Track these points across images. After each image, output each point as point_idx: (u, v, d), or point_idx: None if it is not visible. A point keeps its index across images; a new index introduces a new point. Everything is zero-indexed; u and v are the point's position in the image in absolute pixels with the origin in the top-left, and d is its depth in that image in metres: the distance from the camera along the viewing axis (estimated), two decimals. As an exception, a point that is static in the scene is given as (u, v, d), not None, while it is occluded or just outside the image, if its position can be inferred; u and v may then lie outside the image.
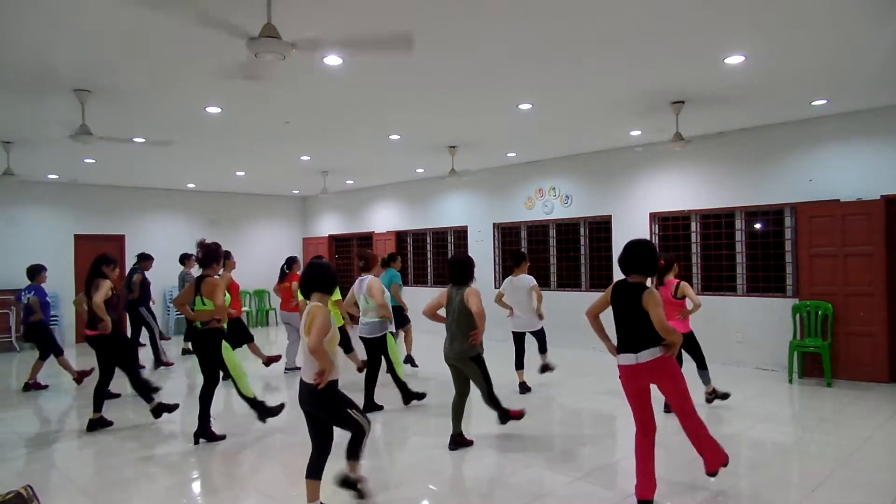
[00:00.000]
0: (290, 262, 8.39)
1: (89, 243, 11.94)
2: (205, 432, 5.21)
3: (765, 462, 4.56)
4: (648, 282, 3.83)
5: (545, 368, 6.79)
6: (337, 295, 6.59)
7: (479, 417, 5.68)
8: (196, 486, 4.37)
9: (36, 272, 7.59)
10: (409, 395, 6.13)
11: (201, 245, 5.22)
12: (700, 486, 4.02)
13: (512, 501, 3.93)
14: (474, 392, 5.01)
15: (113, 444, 5.31)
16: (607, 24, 4.38)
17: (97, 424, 5.67)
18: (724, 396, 5.90)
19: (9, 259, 11.05)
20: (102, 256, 5.88)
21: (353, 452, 3.65)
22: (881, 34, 4.65)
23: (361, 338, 5.99)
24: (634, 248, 3.73)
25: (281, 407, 5.33)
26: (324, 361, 3.41)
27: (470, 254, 11.43)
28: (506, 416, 5.00)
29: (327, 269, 3.71)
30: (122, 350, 5.85)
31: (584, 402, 6.43)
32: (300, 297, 6.88)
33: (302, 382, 3.60)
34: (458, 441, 4.90)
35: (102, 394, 5.75)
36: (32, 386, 7.54)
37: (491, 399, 4.89)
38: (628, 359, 3.66)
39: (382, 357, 6.11)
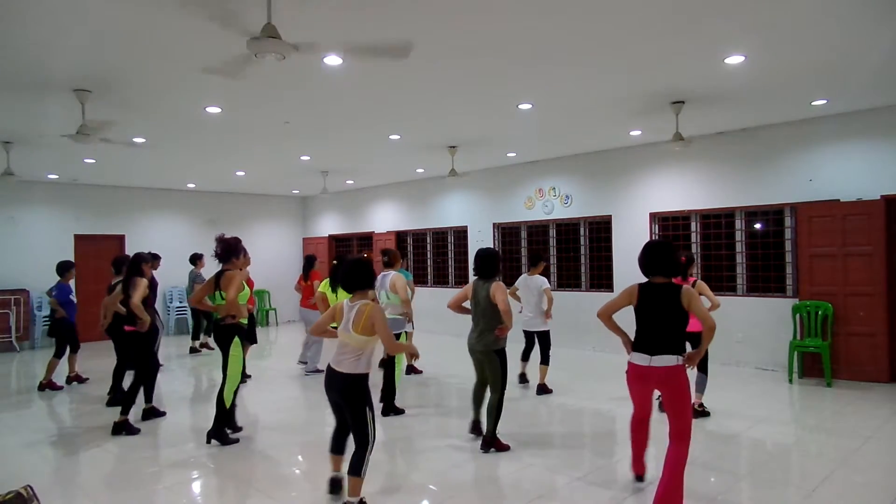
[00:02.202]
0: (312, 260, 8.50)
1: (89, 243, 11.95)
2: (234, 428, 5.29)
3: (765, 462, 4.57)
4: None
5: (542, 390, 6.70)
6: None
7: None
8: (196, 487, 4.36)
9: (64, 269, 7.56)
10: (390, 406, 5.93)
11: (220, 240, 5.16)
12: (699, 486, 4.03)
13: (512, 501, 3.94)
14: None
15: (114, 443, 5.31)
16: (607, 24, 4.38)
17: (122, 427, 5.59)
18: (705, 415, 5.61)
19: (9, 259, 11.06)
20: (140, 255, 6.02)
21: (356, 468, 3.56)
22: (881, 34, 4.65)
23: None
24: (658, 250, 3.67)
25: (236, 441, 5.10)
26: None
27: (469, 255, 11.50)
28: (492, 439, 4.80)
29: (368, 266, 3.84)
30: (149, 350, 5.92)
31: (584, 401, 6.43)
32: (328, 294, 6.92)
33: (332, 370, 3.67)
34: (478, 426, 5.07)
35: (136, 392, 5.78)
36: (47, 385, 7.52)
37: (498, 406, 4.77)
38: (641, 359, 3.59)
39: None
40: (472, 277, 5.04)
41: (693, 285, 5.42)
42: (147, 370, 5.83)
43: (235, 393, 5.20)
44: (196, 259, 9.86)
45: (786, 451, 4.84)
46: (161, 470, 4.64)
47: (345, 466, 3.82)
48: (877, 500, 3.82)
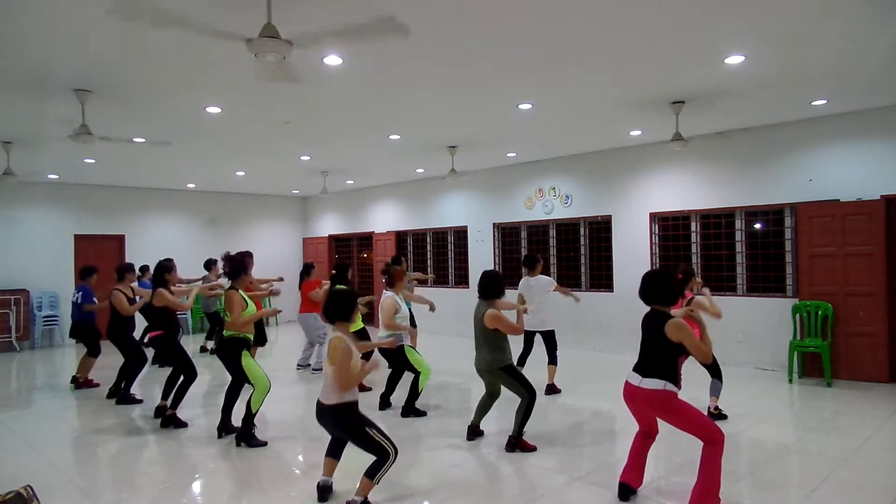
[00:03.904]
0: (308, 268, 8.59)
1: (89, 243, 11.95)
2: (226, 426, 5.34)
3: (765, 462, 4.56)
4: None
5: (551, 390, 6.73)
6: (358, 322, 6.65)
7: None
8: (196, 486, 4.36)
9: (88, 273, 7.63)
10: (411, 408, 5.98)
11: (227, 258, 5.25)
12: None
13: (512, 501, 3.94)
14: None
15: (114, 443, 5.31)
16: (607, 25, 4.38)
17: (161, 412, 5.89)
18: (722, 417, 5.54)
19: (9, 259, 11.06)
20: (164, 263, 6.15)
21: (371, 472, 3.60)
22: (881, 34, 4.65)
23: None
24: (653, 280, 3.77)
25: (264, 444, 5.09)
26: (350, 386, 3.67)
27: (469, 255, 11.51)
28: (518, 440, 4.83)
29: (348, 299, 3.83)
30: (178, 350, 6.03)
31: (585, 401, 6.43)
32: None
33: (320, 404, 3.74)
34: (475, 432, 5.17)
35: (173, 386, 5.90)
36: (83, 383, 7.59)
37: (527, 409, 4.78)
38: (633, 377, 3.71)
39: (404, 366, 6.09)
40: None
41: (689, 302, 5.28)
42: (188, 369, 5.88)
43: (239, 396, 5.31)
44: (210, 265, 9.81)
45: (786, 451, 4.84)
46: (161, 470, 4.65)
47: (337, 474, 3.94)
48: (877, 500, 3.82)
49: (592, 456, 4.81)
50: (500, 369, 4.79)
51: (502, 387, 5.02)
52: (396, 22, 4.20)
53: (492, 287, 4.88)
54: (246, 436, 5.09)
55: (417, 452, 4.95)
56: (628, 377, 3.76)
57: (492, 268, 11.03)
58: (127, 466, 4.75)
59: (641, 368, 3.69)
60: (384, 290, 6.21)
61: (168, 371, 6.21)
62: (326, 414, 3.70)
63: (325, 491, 3.90)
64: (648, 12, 4.17)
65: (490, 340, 4.81)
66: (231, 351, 5.12)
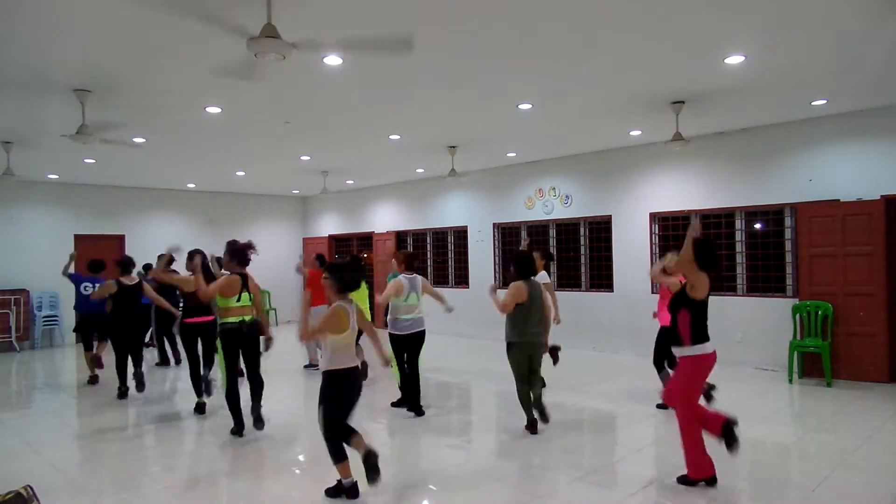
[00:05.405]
0: (321, 259, 8.65)
1: (89, 243, 11.94)
2: (257, 416, 5.38)
3: (765, 462, 4.57)
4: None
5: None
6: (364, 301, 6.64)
7: (478, 415, 5.67)
8: (197, 487, 4.36)
9: (100, 267, 7.74)
10: (416, 407, 5.95)
11: (233, 247, 5.39)
12: (699, 486, 4.02)
13: (512, 501, 3.94)
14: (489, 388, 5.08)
15: (115, 443, 5.31)
16: (607, 24, 4.38)
17: (202, 408, 6.09)
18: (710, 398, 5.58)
19: (9, 259, 11.06)
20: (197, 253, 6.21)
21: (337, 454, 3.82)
22: (881, 34, 4.65)
23: (412, 334, 5.95)
24: (712, 248, 4.00)
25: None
26: (308, 337, 3.96)
27: (469, 255, 11.52)
28: (534, 424, 5.14)
29: (352, 266, 4.00)
30: (213, 343, 6.05)
31: (585, 401, 6.43)
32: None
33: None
34: (533, 425, 5.20)
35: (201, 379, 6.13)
36: (92, 380, 7.67)
37: (539, 397, 5.12)
38: (712, 346, 3.96)
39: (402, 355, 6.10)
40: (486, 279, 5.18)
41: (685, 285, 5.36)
42: (193, 362, 6.10)
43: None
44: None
45: (786, 451, 4.84)
46: (161, 470, 4.65)
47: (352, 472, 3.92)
48: (877, 500, 3.82)
49: (592, 456, 4.81)
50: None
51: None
52: (399, 41, 4.21)
53: (528, 266, 5.22)
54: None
55: (418, 452, 4.95)
56: (706, 349, 3.92)
57: (492, 268, 11.04)
58: (127, 466, 4.74)
59: (708, 335, 3.97)
60: (407, 274, 6.06)
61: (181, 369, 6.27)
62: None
63: (353, 490, 3.91)
64: (648, 12, 4.17)
65: (544, 315, 5.26)
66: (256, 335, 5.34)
